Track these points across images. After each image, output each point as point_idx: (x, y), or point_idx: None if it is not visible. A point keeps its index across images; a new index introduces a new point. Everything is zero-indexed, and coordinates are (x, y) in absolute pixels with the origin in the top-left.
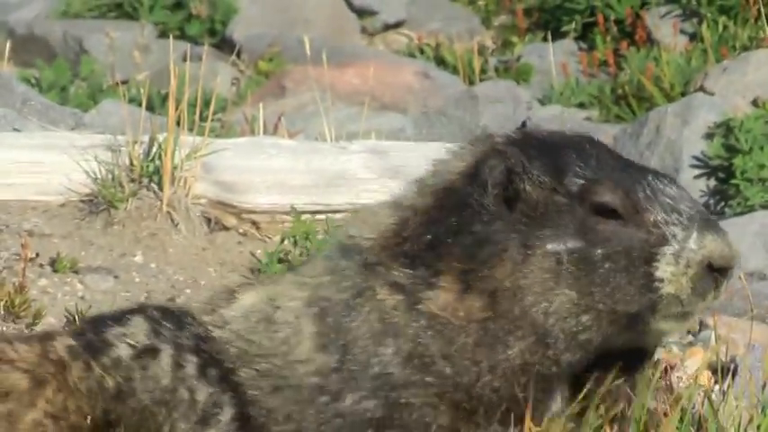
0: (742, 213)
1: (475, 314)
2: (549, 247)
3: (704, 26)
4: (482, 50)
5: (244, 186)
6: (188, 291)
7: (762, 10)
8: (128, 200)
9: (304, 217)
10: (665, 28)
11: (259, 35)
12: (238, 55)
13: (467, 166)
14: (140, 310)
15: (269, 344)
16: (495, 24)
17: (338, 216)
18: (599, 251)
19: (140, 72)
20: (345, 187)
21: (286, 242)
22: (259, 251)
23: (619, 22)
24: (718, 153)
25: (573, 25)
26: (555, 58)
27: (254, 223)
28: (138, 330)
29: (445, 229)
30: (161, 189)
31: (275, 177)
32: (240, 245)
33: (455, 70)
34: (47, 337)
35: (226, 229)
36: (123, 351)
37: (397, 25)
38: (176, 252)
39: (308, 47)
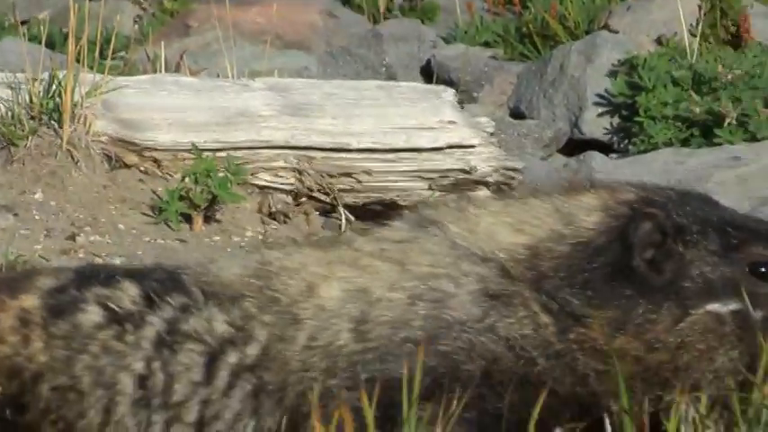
0: (645, 151)
1: (629, 351)
2: (711, 307)
3: None
4: None
5: (145, 124)
6: (88, 228)
7: None
8: (28, 137)
9: (205, 154)
10: None
11: None
12: None
13: (607, 226)
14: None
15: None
16: None
17: (239, 153)
18: (760, 313)
19: (42, 11)
20: (247, 124)
21: (187, 180)
22: (160, 189)
23: None
24: (622, 91)
25: None
26: None
27: (155, 161)
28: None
29: (588, 282)
30: (61, 127)
31: (176, 115)
32: (141, 182)
33: (360, 9)
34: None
35: (127, 166)
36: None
37: None
38: (77, 190)
39: None
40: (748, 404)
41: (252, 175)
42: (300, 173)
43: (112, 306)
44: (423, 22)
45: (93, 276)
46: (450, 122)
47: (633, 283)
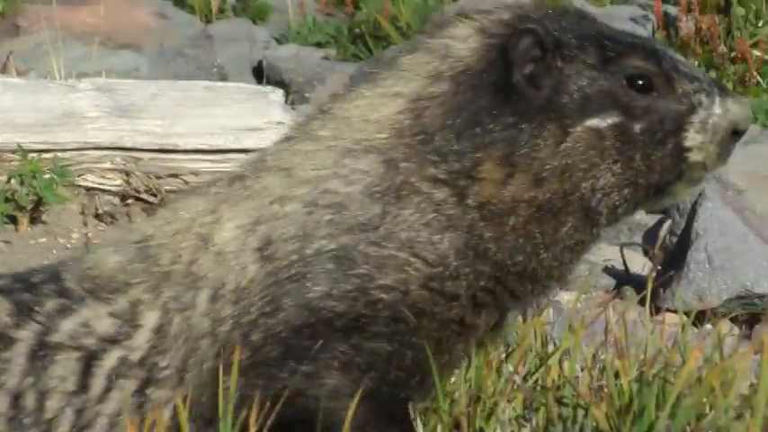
0: None
1: (522, 194)
2: (589, 123)
3: None
4: None
5: None
6: None
7: None
8: None
9: (31, 156)
10: None
11: None
12: None
13: (484, 45)
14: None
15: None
16: None
17: (66, 154)
18: (638, 125)
19: None
20: (73, 125)
21: (13, 181)
22: None
23: None
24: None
25: None
26: None
27: None
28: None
29: (474, 117)
30: None
31: (2, 116)
32: None
33: (192, 9)
34: None
35: None
36: None
37: None
38: None
39: None
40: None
41: (79, 176)
42: (128, 174)
43: None
44: (255, 22)
45: None
46: (279, 123)
47: (515, 106)
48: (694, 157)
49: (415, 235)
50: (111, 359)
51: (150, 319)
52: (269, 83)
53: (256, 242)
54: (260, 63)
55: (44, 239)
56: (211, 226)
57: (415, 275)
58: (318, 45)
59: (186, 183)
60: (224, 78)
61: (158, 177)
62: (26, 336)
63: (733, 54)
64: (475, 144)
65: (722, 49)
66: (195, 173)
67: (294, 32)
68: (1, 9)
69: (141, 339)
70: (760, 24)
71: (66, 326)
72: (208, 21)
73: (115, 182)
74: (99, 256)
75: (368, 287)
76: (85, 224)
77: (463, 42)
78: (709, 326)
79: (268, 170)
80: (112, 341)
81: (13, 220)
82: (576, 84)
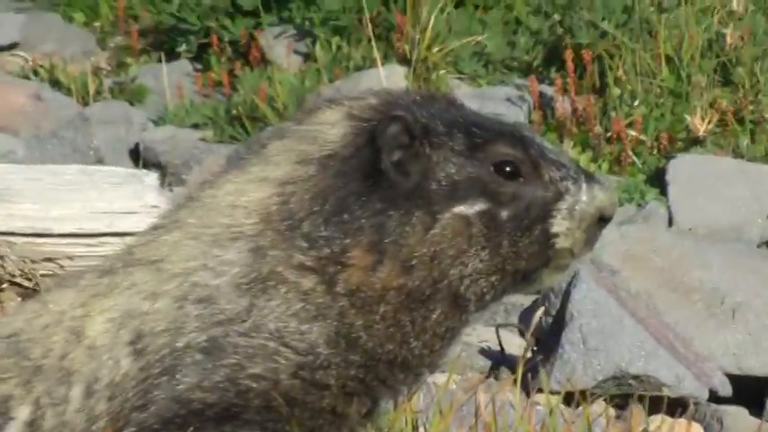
0: None
1: (391, 282)
2: (457, 210)
3: (318, 46)
4: (97, 72)
5: None
6: None
7: (374, 31)
8: None
9: None
10: (279, 48)
11: None
12: None
13: (352, 131)
14: None
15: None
16: (111, 46)
17: None
18: (505, 212)
19: None
20: None
21: None
22: None
23: (233, 42)
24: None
25: (186, 46)
26: (170, 78)
27: None
28: None
29: (342, 202)
30: None
31: None
32: None
33: (69, 92)
34: None
35: None
36: None
37: (12, 47)
38: None
39: None
40: None
41: None
42: (2, 258)
43: None
44: (132, 104)
45: None
46: (153, 207)
47: (383, 192)
48: (561, 243)
49: (284, 325)
50: None
51: (22, 412)
52: (146, 165)
53: (128, 336)
54: (137, 145)
55: None
56: (82, 319)
57: (285, 364)
58: (195, 127)
59: (62, 267)
60: (100, 161)
61: (33, 261)
62: None
63: (609, 134)
64: (343, 230)
65: (598, 129)
66: (70, 257)
67: (171, 114)
68: None
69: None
70: (635, 104)
71: None
72: (85, 103)
73: None
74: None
75: (238, 376)
76: None
77: (332, 127)
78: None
79: (137, 264)
80: None
81: None
82: (444, 170)
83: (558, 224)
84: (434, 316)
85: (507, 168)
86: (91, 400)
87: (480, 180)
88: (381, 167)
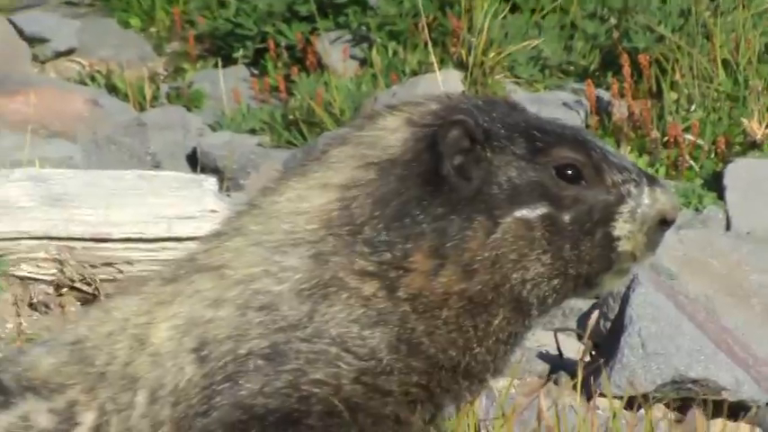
0: None
1: (453, 287)
2: (518, 213)
3: (374, 51)
4: (154, 77)
5: None
6: None
7: (430, 36)
8: None
9: None
10: (336, 53)
11: None
12: None
13: (413, 136)
14: None
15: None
16: (168, 51)
17: (1, 245)
18: (567, 216)
19: None
20: (6, 216)
21: None
22: None
23: (290, 47)
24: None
25: (243, 51)
26: (226, 84)
27: None
28: None
29: (403, 207)
30: None
31: None
32: None
33: (126, 97)
34: None
35: None
36: None
37: (69, 53)
38: None
39: None
40: None
41: (12, 266)
42: (61, 263)
43: None
44: (189, 109)
45: None
46: (212, 211)
47: (444, 197)
48: (623, 246)
49: (346, 330)
50: None
51: (88, 418)
52: (203, 170)
53: (192, 343)
54: (194, 150)
55: None
56: (146, 327)
57: (346, 370)
58: (252, 132)
59: (121, 271)
60: (157, 166)
61: (92, 266)
62: None
63: (666, 138)
64: (404, 235)
65: (655, 133)
66: (130, 262)
67: (228, 119)
68: None
69: None
70: (692, 109)
71: (4, 420)
72: (141, 108)
73: (49, 271)
74: (33, 358)
75: (300, 382)
76: (18, 314)
77: (392, 133)
78: (641, 411)
79: (199, 271)
80: None
81: None
82: (506, 174)
83: (621, 227)
84: (497, 321)
85: (569, 172)
86: (155, 405)
87: (542, 184)
88: (443, 172)
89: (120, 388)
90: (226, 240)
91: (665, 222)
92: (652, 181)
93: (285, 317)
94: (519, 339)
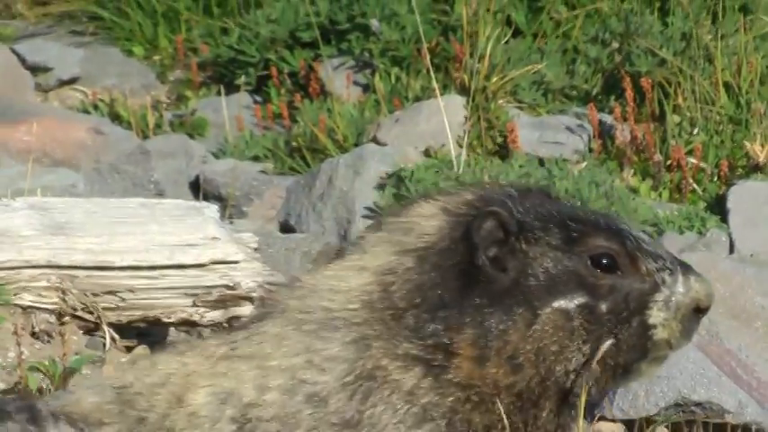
0: None
1: (501, 381)
2: (556, 304)
3: (377, 77)
4: (157, 105)
5: None
6: None
7: (432, 61)
8: None
9: None
10: (339, 79)
11: None
12: None
13: (448, 225)
14: None
15: None
16: (171, 79)
17: (1, 274)
18: (604, 305)
19: None
20: (8, 244)
21: None
22: None
23: (292, 74)
24: (390, 203)
25: (245, 78)
26: (230, 111)
27: None
28: None
29: (441, 297)
30: None
31: None
32: None
33: (129, 125)
34: None
35: None
36: None
37: (72, 81)
38: None
39: None
40: None
41: (15, 295)
42: (63, 292)
43: None
44: (192, 137)
45: None
46: (214, 239)
47: (482, 288)
48: (659, 334)
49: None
50: None
51: None
52: (206, 197)
53: (233, 413)
54: (197, 178)
55: None
56: (185, 388)
57: None
58: (256, 159)
59: (123, 299)
60: (161, 193)
61: (95, 294)
62: None
63: (669, 162)
64: (446, 325)
65: (658, 156)
66: (132, 290)
67: (231, 146)
68: None
69: None
70: (695, 132)
71: None
72: (145, 136)
73: (51, 299)
74: (77, 396)
75: None
76: (19, 344)
77: (427, 220)
78: None
79: (240, 359)
80: None
81: None
82: (542, 265)
83: (656, 316)
84: (544, 414)
85: (604, 261)
86: None
87: (578, 273)
88: (478, 263)
89: None
90: (265, 326)
91: (699, 310)
92: (686, 269)
93: (336, 412)
94: (566, 430)
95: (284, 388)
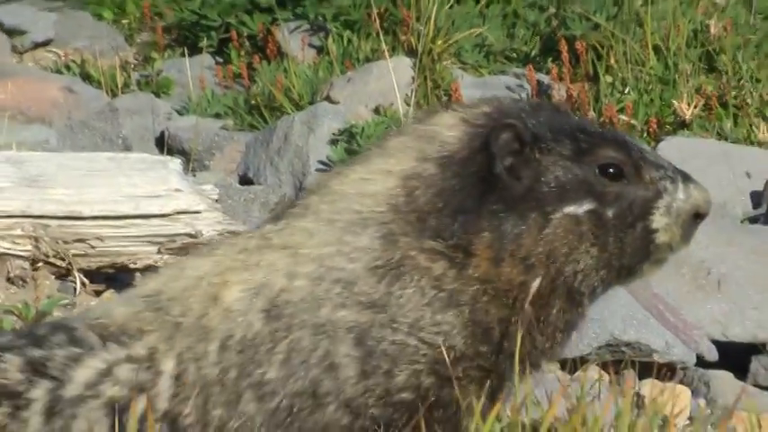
0: None
1: (515, 279)
2: (567, 210)
3: (330, 40)
4: (125, 66)
5: None
6: None
7: (382, 25)
8: None
9: None
10: (295, 42)
11: None
12: None
13: (469, 136)
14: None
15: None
16: (138, 41)
17: None
18: (611, 211)
19: None
20: None
21: None
22: None
23: (251, 37)
24: (342, 158)
25: (208, 41)
26: (193, 71)
27: None
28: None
29: (461, 203)
30: None
31: None
32: None
33: (99, 85)
34: None
35: None
36: None
37: (46, 43)
38: None
39: None
40: None
41: None
42: (37, 240)
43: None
44: (158, 95)
45: None
46: (177, 190)
47: (498, 195)
48: (661, 238)
49: (420, 315)
50: (137, 408)
51: (168, 366)
52: (170, 152)
53: (262, 304)
54: (162, 134)
55: None
56: (219, 287)
57: (423, 363)
58: (217, 116)
59: (92, 247)
60: (129, 149)
61: (66, 242)
62: (40, 395)
63: (602, 119)
64: (465, 228)
65: (592, 114)
66: (100, 238)
67: (194, 104)
68: None
69: (164, 386)
70: (626, 91)
71: (83, 375)
72: (114, 95)
73: (25, 247)
74: (106, 308)
75: (390, 387)
76: None
77: (449, 130)
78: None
79: (273, 248)
80: (138, 389)
81: None
82: (553, 174)
83: (658, 220)
84: (554, 311)
85: (611, 170)
86: (225, 353)
87: (587, 182)
88: (496, 172)
89: (195, 338)
90: (296, 220)
91: (698, 216)
92: (686, 178)
93: (363, 292)
94: (574, 326)
95: (313, 275)
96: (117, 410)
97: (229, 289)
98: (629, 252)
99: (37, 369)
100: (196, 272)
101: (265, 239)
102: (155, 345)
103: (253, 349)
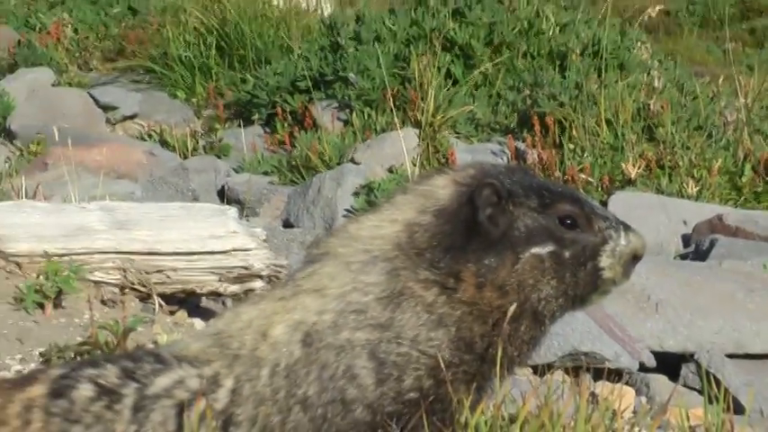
0: None
1: (494, 302)
2: (533, 250)
3: (354, 115)
4: (194, 134)
5: (9, 237)
6: None
7: (394, 103)
8: None
9: (54, 258)
10: (326, 116)
11: (30, 125)
12: (13, 140)
13: (457, 193)
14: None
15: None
16: (204, 115)
17: (79, 257)
18: (567, 252)
19: None
20: (84, 236)
21: (41, 277)
22: (21, 284)
23: (293, 112)
24: (362, 207)
25: (258, 115)
26: (246, 139)
27: (17, 264)
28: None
29: (452, 243)
30: None
31: (33, 230)
32: (7, 279)
33: (174, 149)
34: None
35: None
36: (84, 392)
37: (133, 117)
38: None
39: (56, 134)
40: None
41: (89, 273)
42: (125, 271)
43: (102, 382)
44: (219, 157)
45: (85, 362)
46: (234, 232)
47: (480, 237)
48: (606, 274)
49: (417, 333)
50: (201, 405)
51: (228, 383)
52: (229, 202)
53: (299, 336)
54: (222, 187)
55: (63, 319)
56: (266, 325)
57: (423, 369)
58: (265, 173)
59: (168, 277)
60: (196, 199)
61: (147, 273)
62: (130, 392)
63: (566, 177)
64: (455, 261)
65: (558, 173)
66: (174, 269)
67: (248, 164)
68: (36, 150)
69: (222, 395)
70: (585, 156)
71: (162, 382)
72: (185, 157)
73: (115, 277)
74: (184, 344)
75: (402, 388)
76: (90, 309)
77: (442, 189)
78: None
79: (305, 292)
80: (202, 393)
81: (41, 305)
82: (523, 222)
83: (605, 261)
84: (522, 328)
85: (568, 221)
86: (274, 378)
87: (549, 229)
88: (478, 220)
89: (249, 366)
90: (321, 267)
91: (636, 257)
92: (627, 227)
93: (373, 317)
94: (538, 342)
95: (337, 309)
96: (184, 407)
97: (274, 327)
98: (582, 285)
99: (129, 375)
100: (248, 316)
101: (298, 286)
102: (218, 370)
103: (294, 374)
